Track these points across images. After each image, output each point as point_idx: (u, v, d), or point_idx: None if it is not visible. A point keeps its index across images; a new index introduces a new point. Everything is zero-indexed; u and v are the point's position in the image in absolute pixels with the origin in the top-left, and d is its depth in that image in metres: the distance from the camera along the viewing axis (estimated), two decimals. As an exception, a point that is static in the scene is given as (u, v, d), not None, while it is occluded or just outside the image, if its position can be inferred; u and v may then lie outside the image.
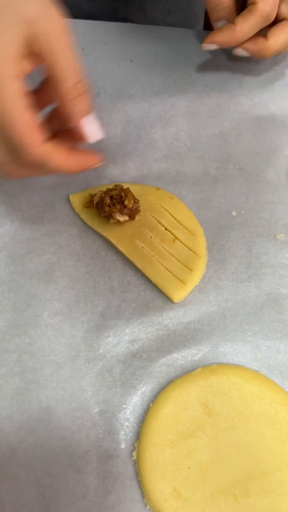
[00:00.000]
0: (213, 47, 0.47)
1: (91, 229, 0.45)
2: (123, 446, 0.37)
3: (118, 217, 0.42)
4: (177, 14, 0.70)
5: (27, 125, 0.33)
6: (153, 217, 0.44)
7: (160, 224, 0.44)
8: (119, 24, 0.55)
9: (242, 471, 0.36)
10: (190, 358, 0.40)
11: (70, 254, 0.44)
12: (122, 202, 0.42)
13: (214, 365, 0.39)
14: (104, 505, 0.35)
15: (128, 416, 0.38)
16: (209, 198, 0.46)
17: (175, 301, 0.42)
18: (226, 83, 0.52)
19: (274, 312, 0.42)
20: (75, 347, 0.40)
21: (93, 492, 0.36)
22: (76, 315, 0.41)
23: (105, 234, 0.44)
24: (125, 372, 0.39)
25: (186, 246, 0.43)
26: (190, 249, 0.43)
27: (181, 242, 0.43)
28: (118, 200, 0.42)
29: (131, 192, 0.43)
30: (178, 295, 0.42)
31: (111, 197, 0.42)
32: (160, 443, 0.37)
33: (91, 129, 0.36)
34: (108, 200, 0.42)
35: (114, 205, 0.42)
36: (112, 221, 0.43)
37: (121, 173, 0.47)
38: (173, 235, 0.44)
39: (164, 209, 0.45)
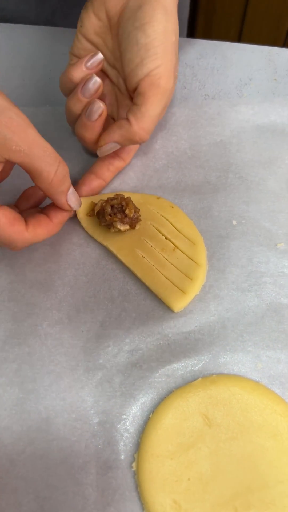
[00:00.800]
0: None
1: (92, 238, 0.45)
2: (122, 457, 0.37)
3: (119, 226, 0.42)
4: None
5: (6, 225, 0.36)
6: (153, 226, 0.44)
7: (161, 233, 0.44)
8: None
9: (243, 483, 0.36)
10: (190, 368, 0.40)
11: (70, 263, 0.44)
12: (123, 211, 0.42)
13: (214, 375, 0.39)
14: (103, 518, 0.35)
15: (128, 427, 0.38)
16: (209, 207, 0.46)
17: (175, 311, 0.42)
18: (226, 92, 0.52)
19: (275, 322, 0.42)
20: (75, 357, 0.40)
21: (93, 504, 0.35)
22: (76, 324, 0.41)
23: (105, 243, 0.44)
24: (125, 382, 0.39)
25: (186, 255, 0.43)
26: (191, 258, 0.43)
27: (181, 251, 0.43)
28: (119, 209, 0.42)
29: (132, 201, 0.43)
30: (178, 304, 0.42)
31: (112, 206, 0.42)
32: (160, 454, 0.36)
33: (74, 199, 0.40)
34: (109, 209, 0.42)
35: (115, 214, 0.42)
36: (112, 230, 0.43)
37: (121, 182, 0.47)
38: (173, 244, 0.44)
39: (165, 218, 0.45)
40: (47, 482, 0.36)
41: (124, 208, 0.42)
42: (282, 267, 0.44)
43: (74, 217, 0.45)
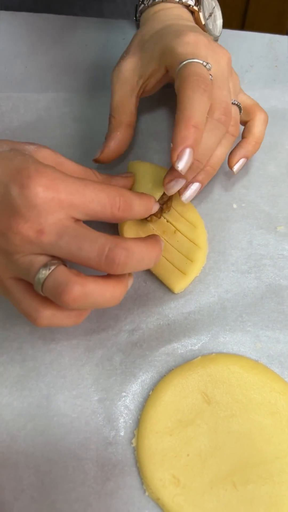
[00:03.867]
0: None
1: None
2: (122, 433, 0.37)
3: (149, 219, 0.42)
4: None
5: (27, 307, 0.33)
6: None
7: (162, 216, 0.44)
8: (121, 22, 0.56)
9: (241, 459, 0.36)
10: (190, 348, 0.40)
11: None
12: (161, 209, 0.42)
13: (213, 354, 0.40)
14: (103, 492, 0.35)
15: (128, 404, 0.38)
16: (210, 190, 0.47)
17: (176, 292, 0.42)
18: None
19: (274, 303, 0.42)
20: (76, 336, 0.40)
21: (92, 479, 0.36)
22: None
23: None
24: (125, 361, 0.39)
25: (187, 238, 0.44)
26: (191, 241, 0.43)
27: (182, 234, 0.44)
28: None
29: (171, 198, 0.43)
30: (178, 285, 0.42)
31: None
32: (159, 431, 0.37)
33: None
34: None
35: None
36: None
37: (123, 164, 0.48)
38: (174, 227, 0.44)
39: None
40: (47, 457, 0.36)
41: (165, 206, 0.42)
42: (281, 250, 0.44)
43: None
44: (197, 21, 0.47)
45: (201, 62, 0.38)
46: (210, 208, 0.46)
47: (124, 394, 0.38)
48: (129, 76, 0.44)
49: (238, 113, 0.43)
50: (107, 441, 0.37)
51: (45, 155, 0.35)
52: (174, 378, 0.38)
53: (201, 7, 0.47)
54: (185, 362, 0.39)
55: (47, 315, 0.33)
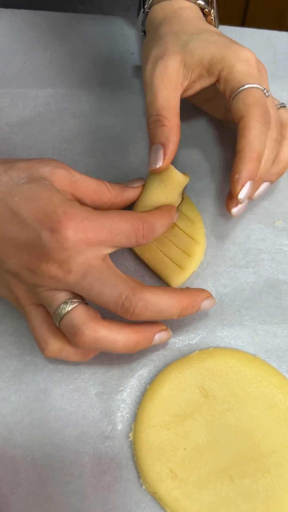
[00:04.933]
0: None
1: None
2: (119, 427, 0.37)
3: None
4: (135, 10, 0.71)
5: (39, 336, 0.35)
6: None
7: (159, 211, 0.44)
8: (119, 18, 0.56)
9: (238, 452, 0.36)
10: (187, 342, 0.40)
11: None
12: None
13: (211, 348, 0.40)
14: (99, 485, 0.35)
15: (125, 398, 0.38)
16: (208, 186, 0.47)
17: (173, 286, 0.42)
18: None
19: (272, 297, 0.42)
20: (73, 330, 0.40)
21: (89, 472, 0.36)
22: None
23: None
24: (122, 355, 0.39)
25: (185, 233, 0.44)
26: (189, 236, 0.43)
27: (180, 229, 0.44)
28: None
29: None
30: (176, 280, 0.42)
31: None
32: (157, 425, 0.37)
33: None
34: None
35: None
36: None
37: (119, 158, 0.48)
38: None
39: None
40: (44, 451, 0.36)
41: None
42: (279, 244, 0.44)
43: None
44: (209, 23, 0.47)
45: (262, 89, 0.39)
46: (208, 204, 0.46)
47: (121, 388, 0.38)
48: (175, 75, 0.41)
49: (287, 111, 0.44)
50: (104, 435, 0.37)
51: (61, 178, 0.35)
52: (171, 372, 0.38)
53: (214, 11, 0.47)
54: (183, 356, 0.39)
55: (56, 348, 0.35)
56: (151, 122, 0.40)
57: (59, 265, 0.32)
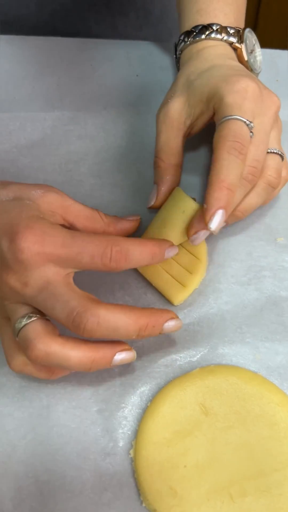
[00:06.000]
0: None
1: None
2: (120, 444, 0.38)
3: None
4: (148, 29, 0.73)
5: (6, 350, 0.36)
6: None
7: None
8: (124, 41, 0.58)
9: (238, 471, 0.36)
10: (188, 359, 0.40)
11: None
12: None
13: (212, 365, 0.40)
14: (100, 502, 0.36)
15: (127, 415, 0.38)
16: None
17: (175, 304, 0.42)
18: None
19: (274, 314, 0.42)
20: (76, 348, 0.41)
21: (90, 489, 0.36)
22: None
23: None
24: (124, 372, 0.40)
25: (187, 250, 0.44)
26: (191, 253, 0.44)
27: (182, 246, 0.44)
28: None
29: None
30: (178, 298, 0.42)
31: None
32: (157, 442, 0.37)
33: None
34: None
35: None
36: None
37: (124, 177, 0.49)
38: None
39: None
40: (47, 467, 0.37)
41: None
42: (281, 261, 0.44)
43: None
44: (240, 58, 0.47)
45: (243, 120, 0.38)
46: (210, 221, 0.46)
47: (123, 405, 0.39)
48: (177, 116, 0.43)
49: (280, 161, 0.42)
50: (105, 452, 0.37)
51: (51, 200, 0.36)
52: (172, 390, 0.38)
53: (243, 44, 0.46)
54: (184, 374, 0.39)
55: (20, 363, 0.35)
56: (153, 163, 0.44)
57: (17, 277, 0.33)
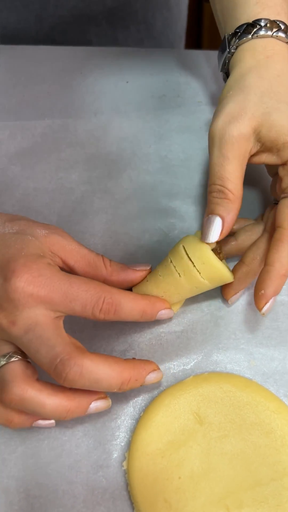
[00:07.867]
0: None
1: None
2: (114, 455, 0.37)
3: None
4: (150, 41, 0.72)
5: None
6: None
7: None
8: (114, 48, 0.58)
9: (234, 481, 0.35)
10: (182, 367, 0.40)
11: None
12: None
13: (206, 373, 0.39)
14: (93, 517, 0.35)
15: (119, 426, 0.38)
16: (202, 209, 0.47)
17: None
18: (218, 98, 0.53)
19: (268, 319, 0.41)
20: (68, 357, 0.40)
21: (82, 503, 0.35)
22: (69, 325, 0.41)
23: None
24: (117, 381, 0.39)
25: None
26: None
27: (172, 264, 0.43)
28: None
29: None
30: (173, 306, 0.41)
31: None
32: (151, 453, 0.36)
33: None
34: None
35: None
36: None
37: (115, 184, 0.48)
38: None
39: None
40: (38, 481, 0.36)
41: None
42: (275, 265, 0.43)
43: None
44: None
45: None
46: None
47: (115, 415, 0.38)
48: (244, 143, 0.37)
49: None
50: (98, 464, 0.36)
51: (53, 242, 0.35)
52: (165, 399, 0.38)
53: None
54: (177, 382, 0.39)
55: None
56: (214, 190, 0.37)
57: (6, 314, 0.32)
